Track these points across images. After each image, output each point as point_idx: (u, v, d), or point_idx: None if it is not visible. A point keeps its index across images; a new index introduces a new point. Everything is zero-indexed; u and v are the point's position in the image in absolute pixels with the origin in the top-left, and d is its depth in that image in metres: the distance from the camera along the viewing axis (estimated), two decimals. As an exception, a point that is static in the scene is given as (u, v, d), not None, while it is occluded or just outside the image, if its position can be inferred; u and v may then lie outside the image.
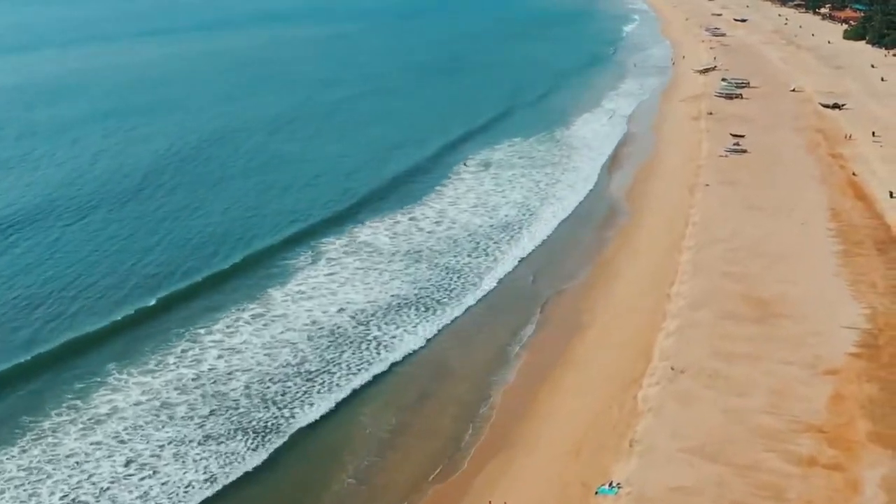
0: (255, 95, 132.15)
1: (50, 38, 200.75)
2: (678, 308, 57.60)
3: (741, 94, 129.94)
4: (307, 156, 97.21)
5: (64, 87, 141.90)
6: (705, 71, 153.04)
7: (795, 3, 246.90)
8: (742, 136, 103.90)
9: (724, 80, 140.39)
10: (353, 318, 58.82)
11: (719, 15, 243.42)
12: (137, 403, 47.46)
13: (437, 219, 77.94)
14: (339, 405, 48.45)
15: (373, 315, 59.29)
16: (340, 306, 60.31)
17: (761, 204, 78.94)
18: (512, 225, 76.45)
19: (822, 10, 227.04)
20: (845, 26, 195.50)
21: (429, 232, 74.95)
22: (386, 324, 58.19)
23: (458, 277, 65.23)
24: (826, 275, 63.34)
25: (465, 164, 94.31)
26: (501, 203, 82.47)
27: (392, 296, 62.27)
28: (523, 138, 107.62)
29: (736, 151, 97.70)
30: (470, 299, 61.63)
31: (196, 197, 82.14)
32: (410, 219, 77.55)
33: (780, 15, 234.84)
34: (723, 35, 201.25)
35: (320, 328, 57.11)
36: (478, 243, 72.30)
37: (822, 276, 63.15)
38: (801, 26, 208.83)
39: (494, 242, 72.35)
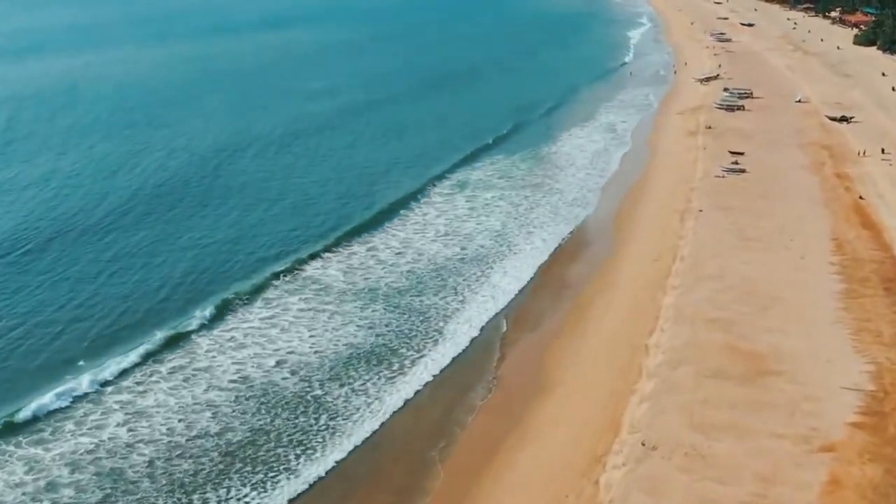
0: (244, 111, 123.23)
1: (42, 45, 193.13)
2: (656, 365, 50.78)
3: (743, 106, 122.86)
4: (276, 180, 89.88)
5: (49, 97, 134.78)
6: (707, 80, 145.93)
7: (805, 6, 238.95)
8: (741, 154, 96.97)
9: (725, 90, 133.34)
10: (292, 373, 51.93)
11: (725, 19, 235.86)
12: (20, 485, 40.69)
13: (400, 249, 70.99)
14: (256, 486, 41.57)
15: (317, 369, 52.36)
16: (278, 358, 53.35)
17: (757, 233, 72.03)
18: (485, 258, 69.36)
19: (832, 14, 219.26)
20: (856, 31, 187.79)
21: (390, 265, 67.96)
22: (331, 379, 51.26)
23: (420, 325, 58.20)
24: (825, 321, 56.50)
25: (433, 186, 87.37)
26: (475, 231, 75.47)
27: (342, 345, 55.33)
28: (505, 155, 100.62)
29: (734, 171, 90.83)
30: (431, 351, 54.46)
31: (145, 232, 74.52)
32: (369, 249, 70.57)
33: (788, 19, 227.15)
34: (728, 40, 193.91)
35: (251, 386, 50.20)
36: (444, 280, 65.28)
37: (820, 322, 56.30)
38: (809, 31, 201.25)
39: (463, 280, 65.28)
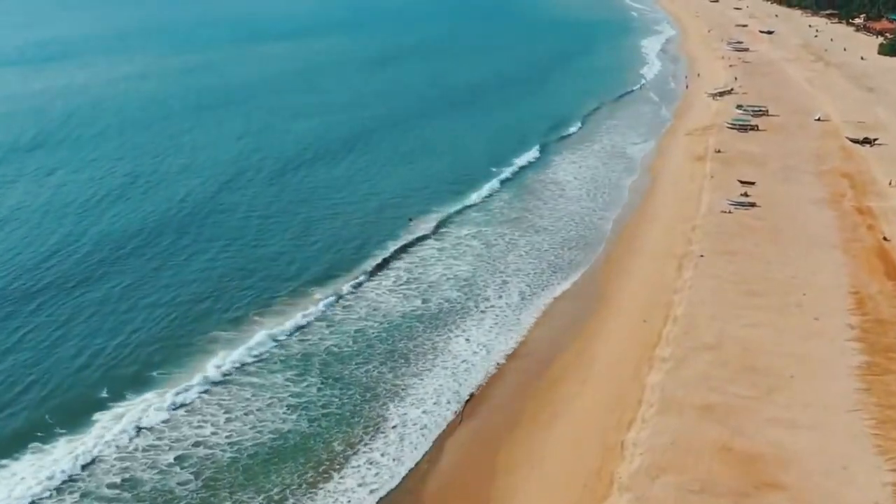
0: (248, 131, 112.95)
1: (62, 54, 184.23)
2: (631, 473, 41.42)
3: (757, 126, 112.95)
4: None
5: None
6: (720, 95, 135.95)
7: (827, 12, 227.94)
8: (752, 184, 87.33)
9: (739, 107, 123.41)
10: (195, 474, 42.91)
11: (744, 26, 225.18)
12: None
13: (349, 303, 61.78)
14: None
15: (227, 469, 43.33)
16: (178, 453, 44.26)
17: (765, 286, 62.51)
18: (444, 318, 60.06)
19: (856, 21, 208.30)
20: (881, 39, 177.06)
21: (337, 323, 58.72)
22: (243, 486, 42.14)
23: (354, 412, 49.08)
24: (841, 408, 46.97)
25: (409, 221, 78.25)
26: (441, 279, 66.19)
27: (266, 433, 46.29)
28: (492, 186, 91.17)
29: (742, 205, 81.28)
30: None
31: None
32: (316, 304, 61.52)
33: (810, 26, 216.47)
34: (745, 50, 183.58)
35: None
36: (393, 347, 56.09)
37: (836, 409, 46.88)
38: (832, 39, 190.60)
39: (414, 347, 56.08)
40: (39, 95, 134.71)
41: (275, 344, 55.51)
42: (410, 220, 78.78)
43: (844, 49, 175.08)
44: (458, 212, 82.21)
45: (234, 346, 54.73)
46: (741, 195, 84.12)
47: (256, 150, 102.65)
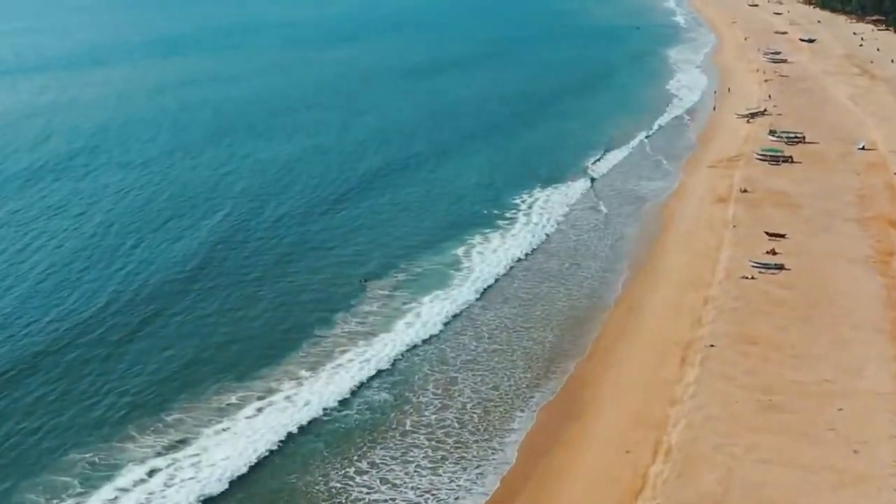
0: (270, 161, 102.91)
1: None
2: None
3: (791, 158, 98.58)
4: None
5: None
6: (751, 116, 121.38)
7: (874, 17, 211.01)
8: (782, 237, 73.26)
9: (772, 132, 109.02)
10: None
11: (784, 33, 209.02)
12: None
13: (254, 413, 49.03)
14: None
15: None
16: None
17: (789, 397, 49.02)
18: (363, 426, 47.09)
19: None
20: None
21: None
22: None
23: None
24: None
25: (362, 283, 65.39)
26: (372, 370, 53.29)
27: None
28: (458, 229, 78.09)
29: (769, 267, 67.55)
30: None
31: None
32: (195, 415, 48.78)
33: (854, 33, 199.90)
34: (783, 61, 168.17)
35: None
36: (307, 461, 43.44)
37: None
38: (878, 49, 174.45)
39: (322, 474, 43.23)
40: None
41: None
42: (362, 282, 65.94)
43: (892, 61, 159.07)
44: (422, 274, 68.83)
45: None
46: (768, 253, 70.40)
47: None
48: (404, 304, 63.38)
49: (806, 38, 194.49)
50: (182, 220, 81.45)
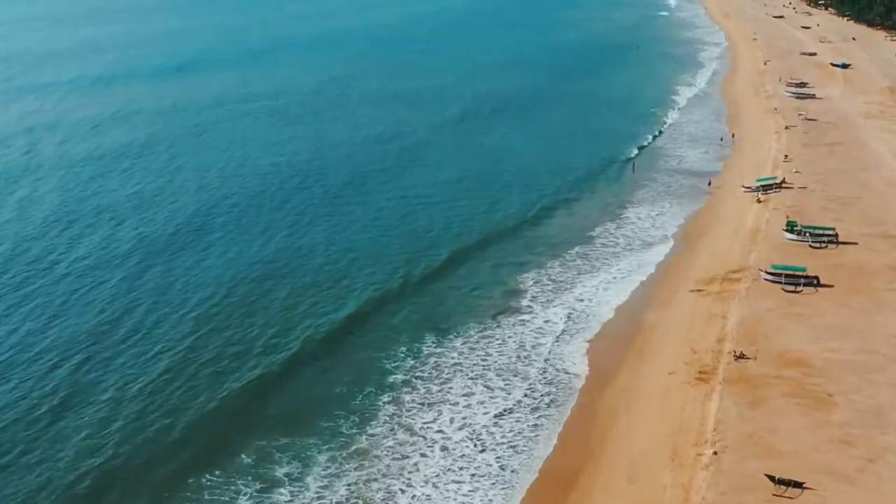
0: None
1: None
2: None
3: (817, 279, 64.82)
4: None
5: None
6: (764, 190, 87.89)
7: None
8: (797, 487, 40.09)
9: (790, 226, 76.31)
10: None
11: (812, 55, 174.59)
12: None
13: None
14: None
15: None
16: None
17: None
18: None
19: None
20: None
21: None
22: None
23: None
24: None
25: None
26: None
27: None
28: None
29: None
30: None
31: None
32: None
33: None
34: (810, 96, 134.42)
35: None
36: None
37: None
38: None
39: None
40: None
41: None
42: None
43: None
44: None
45: None
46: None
47: None
48: None
49: (839, 63, 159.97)
50: None
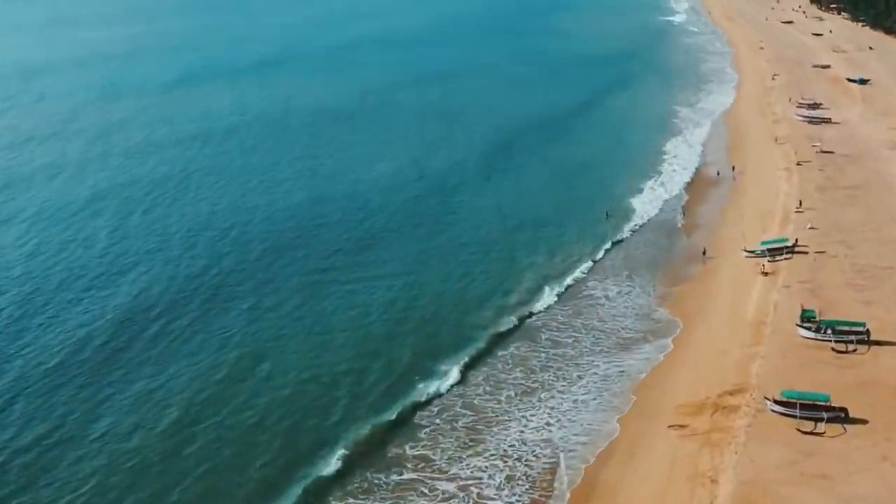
0: None
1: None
2: None
3: (844, 413, 46.30)
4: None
5: None
6: (771, 255, 69.53)
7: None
8: None
9: (806, 318, 57.14)
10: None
11: (825, 67, 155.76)
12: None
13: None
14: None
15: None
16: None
17: None
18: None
19: None
20: None
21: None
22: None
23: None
24: None
25: None
26: None
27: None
28: None
29: None
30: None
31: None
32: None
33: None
34: (824, 120, 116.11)
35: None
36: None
37: None
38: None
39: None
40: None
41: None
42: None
43: None
44: None
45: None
46: None
47: None
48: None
49: (856, 79, 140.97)
50: None
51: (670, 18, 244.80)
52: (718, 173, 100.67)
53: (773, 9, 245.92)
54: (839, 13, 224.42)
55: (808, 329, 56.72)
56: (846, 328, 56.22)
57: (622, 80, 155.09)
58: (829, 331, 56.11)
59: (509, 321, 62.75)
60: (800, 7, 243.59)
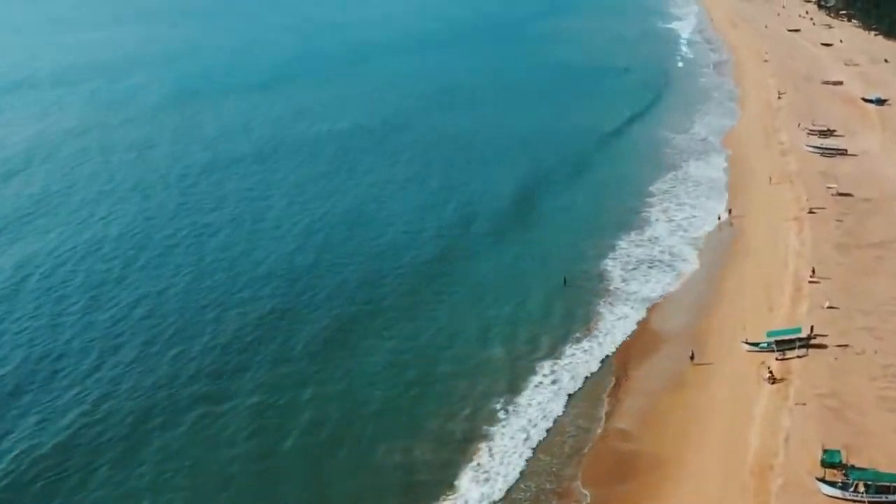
0: None
1: None
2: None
3: None
4: None
5: None
6: (780, 350, 54.18)
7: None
8: None
9: (829, 464, 41.78)
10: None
11: (838, 84, 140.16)
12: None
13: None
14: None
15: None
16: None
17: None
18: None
19: None
20: None
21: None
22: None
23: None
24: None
25: None
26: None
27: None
28: None
29: None
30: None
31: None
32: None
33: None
34: (839, 152, 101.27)
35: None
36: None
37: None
38: None
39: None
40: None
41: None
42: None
43: None
44: None
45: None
46: None
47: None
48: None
49: (873, 98, 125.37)
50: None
51: (670, 25, 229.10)
52: (719, 218, 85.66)
53: (778, 14, 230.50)
54: (849, 20, 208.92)
55: (832, 483, 41.08)
56: (886, 484, 40.58)
57: (617, 94, 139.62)
58: (859, 486, 40.45)
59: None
60: (807, 13, 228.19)
